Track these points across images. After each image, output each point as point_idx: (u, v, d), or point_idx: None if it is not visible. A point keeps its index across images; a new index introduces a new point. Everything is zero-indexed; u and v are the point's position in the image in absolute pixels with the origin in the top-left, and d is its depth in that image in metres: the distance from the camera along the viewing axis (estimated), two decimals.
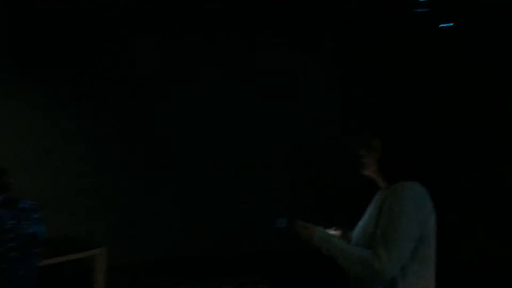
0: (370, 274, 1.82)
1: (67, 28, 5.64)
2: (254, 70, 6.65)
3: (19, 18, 5.33)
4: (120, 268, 5.33)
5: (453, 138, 6.36)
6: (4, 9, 5.23)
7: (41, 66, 5.52)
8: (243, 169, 6.51)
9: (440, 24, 6.49)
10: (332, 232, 2.17)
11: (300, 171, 6.64)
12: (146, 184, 6.20)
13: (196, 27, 6.36)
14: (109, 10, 5.80)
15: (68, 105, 5.78)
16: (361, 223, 2.08)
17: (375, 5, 6.25)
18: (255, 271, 5.76)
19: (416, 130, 2.00)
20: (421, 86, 6.63)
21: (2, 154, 5.00)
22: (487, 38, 6.41)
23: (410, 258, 1.85)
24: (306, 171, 6.62)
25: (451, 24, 6.39)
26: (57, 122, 5.68)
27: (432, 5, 6.08)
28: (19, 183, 4.76)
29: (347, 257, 1.89)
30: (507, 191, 6.11)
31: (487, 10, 6.02)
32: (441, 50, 6.60)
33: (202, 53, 6.37)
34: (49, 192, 5.39)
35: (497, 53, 6.38)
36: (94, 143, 5.89)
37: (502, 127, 6.19)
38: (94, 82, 5.87)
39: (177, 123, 6.33)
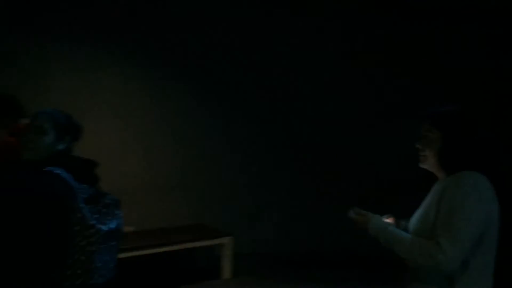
0: (432, 265, 1.77)
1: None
2: None
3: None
4: (243, 257, 5.63)
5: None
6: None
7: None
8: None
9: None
10: (385, 219, 2.12)
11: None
12: (266, 179, 6.40)
13: None
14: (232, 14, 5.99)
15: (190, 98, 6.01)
16: (418, 213, 2.02)
17: None
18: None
19: (476, 120, 1.95)
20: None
21: (143, 144, 5.58)
22: None
23: (472, 249, 1.80)
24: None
25: None
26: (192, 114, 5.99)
27: None
28: (154, 171, 5.51)
29: (406, 247, 1.85)
30: None
31: None
32: None
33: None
34: (182, 182, 5.86)
35: None
36: (220, 138, 6.17)
37: None
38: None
39: (296, 117, 6.47)
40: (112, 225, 2.23)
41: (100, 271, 2.17)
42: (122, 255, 4.77)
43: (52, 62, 5.14)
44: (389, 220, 2.18)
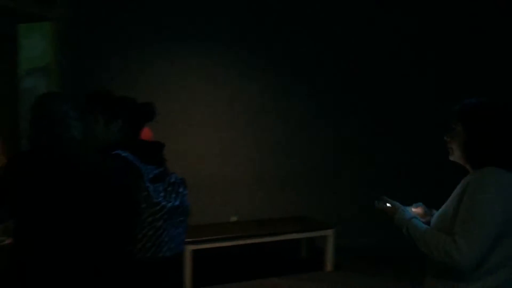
0: (449, 262, 1.76)
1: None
2: None
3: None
4: (344, 250, 5.68)
5: None
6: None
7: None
8: None
9: None
10: (412, 209, 2.14)
11: None
12: (369, 174, 6.40)
13: None
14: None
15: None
16: (443, 207, 2.00)
17: None
18: None
19: (506, 113, 1.87)
20: None
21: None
22: None
23: (493, 249, 1.76)
24: None
25: None
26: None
27: None
28: (260, 163, 5.73)
29: (426, 241, 1.84)
30: None
31: None
32: None
33: None
34: (287, 174, 5.98)
35: None
36: (326, 131, 6.21)
37: None
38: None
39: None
40: (177, 202, 2.39)
41: (168, 245, 2.33)
42: (227, 243, 5.05)
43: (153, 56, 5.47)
44: (418, 209, 2.15)
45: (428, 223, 2.02)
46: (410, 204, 2.18)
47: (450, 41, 6.46)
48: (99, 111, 2.42)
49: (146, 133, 3.33)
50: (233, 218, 5.51)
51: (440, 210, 2.01)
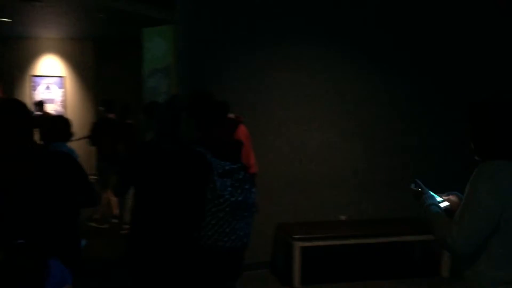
0: (444, 247, 1.87)
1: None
2: None
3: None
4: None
5: None
6: None
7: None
8: None
9: None
10: (444, 196, 2.16)
11: None
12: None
13: None
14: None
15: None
16: None
17: None
18: None
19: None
20: None
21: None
22: None
23: (492, 240, 1.82)
24: None
25: None
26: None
27: None
28: (375, 164, 5.60)
29: (432, 225, 1.95)
30: None
31: None
32: None
33: None
34: (399, 176, 5.67)
35: None
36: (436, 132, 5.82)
37: None
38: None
39: None
40: (240, 197, 2.56)
41: (229, 236, 2.52)
42: (338, 242, 5.00)
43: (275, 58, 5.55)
44: (451, 197, 2.15)
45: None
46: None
47: None
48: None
49: (242, 131, 3.40)
50: (342, 217, 5.42)
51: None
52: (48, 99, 10.44)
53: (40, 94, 10.44)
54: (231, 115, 3.45)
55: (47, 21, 8.91)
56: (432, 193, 2.11)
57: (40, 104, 8.82)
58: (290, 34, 5.24)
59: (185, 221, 2.40)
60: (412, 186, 2.17)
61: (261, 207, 3.44)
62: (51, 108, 10.40)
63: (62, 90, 10.51)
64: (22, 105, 2.14)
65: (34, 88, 10.43)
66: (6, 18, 8.67)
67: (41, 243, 1.87)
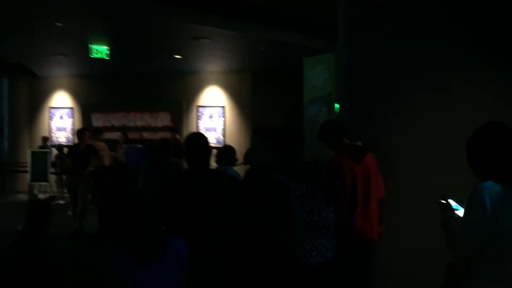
0: (455, 257, 2.21)
1: None
2: None
3: None
4: None
5: None
6: None
7: None
8: None
9: None
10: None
11: None
12: None
13: None
14: None
15: None
16: None
17: None
18: None
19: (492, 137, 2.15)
20: None
21: None
22: None
23: (483, 253, 2.07)
24: None
25: None
26: None
27: None
28: None
29: (446, 236, 2.19)
30: None
31: None
32: None
33: None
34: None
35: None
36: None
37: None
38: None
39: None
40: (316, 216, 2.75)
41: (310, 252, 2.71)
42: None
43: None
44: None
45: None
46: None
47: None
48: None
49: (370, 159, 3.46)
50: None
51: None
52: (211, 128, 11.30)
53: (204, 122, 11.35)
54: (359, 143, 3.57)
55: (211, 56, 9.72)
56: (456, 205, 2.27)
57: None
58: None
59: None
60: (440, 199, 2.30)
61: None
62: (213, 136, 11.23)
63: (223, 119, 11.28)
64: (205, 137, 3.02)
65: (199, 117, 11.38)
66: (178, 55, 9.68)
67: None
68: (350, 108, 4.25)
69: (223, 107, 11.30)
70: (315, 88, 5.78)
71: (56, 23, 7.34)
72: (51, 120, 12.35)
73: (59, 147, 11.11)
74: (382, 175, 3.55)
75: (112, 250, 2.62)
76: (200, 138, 2.97)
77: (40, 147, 10.94)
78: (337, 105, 5.38)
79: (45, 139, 11.44)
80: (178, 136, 9.76)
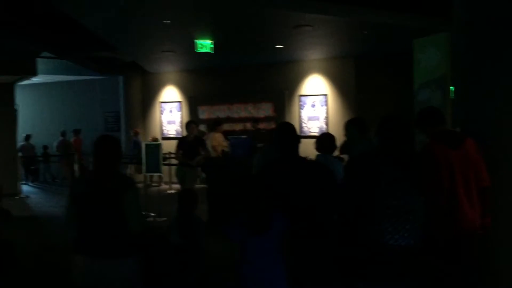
0: None
1: None
2: None
3: None
4: None
5: None
6: None
7: None
8: None
9: None
10: None
11: None
12: None
13: None
14: None
15: None
16: None
17: None
18: None
19: None
20: None
21: None
22: None
23: None
24: None
25: None
26: None
27: None
28: None
29: None
30: None
31: None
32: None
33: None
34: None
35: None
36: None
37: None
38: None
39: None
40: (403, 201, 2.77)
41: (392, 235, 2.76)
42: None
43: None
44: None
45: None
46: None
47: None
48: None
49: (470, 144, 3.32)
50: None
51: None
52: (313, 117, 11.16)
53: (306, 111, 11.25)
54: (457, 129, 3.55)
55: (313, 43, 9.54)
56: None
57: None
58: None
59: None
60: None
61: None
62: (315, 125, 11.08)
63: (325, 107, 11.08)
64: (293, 126, 3.32)
65: (301, 106, 11.30)
66: (279, 45, 9.64)
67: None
68: (466, 94, 3.88)
69: (325, 95, 11.09)
70: (427, 70, 5.38)
71: (164, 21, 7.67)
72: (162, 114, 13.04)
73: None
74: (497, 166, 3.32)
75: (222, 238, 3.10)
76: (288, 127, 3.28)
77: (133, 140, 11.59)
78: (452, 88, 4.96)
79: (136, 133, 12.11)
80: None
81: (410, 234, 2.79)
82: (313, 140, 4.64)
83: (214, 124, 9.80)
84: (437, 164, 3.20)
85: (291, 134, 3.23)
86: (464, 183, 3.22)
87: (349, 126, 4.53)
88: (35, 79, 12.84)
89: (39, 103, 15.50)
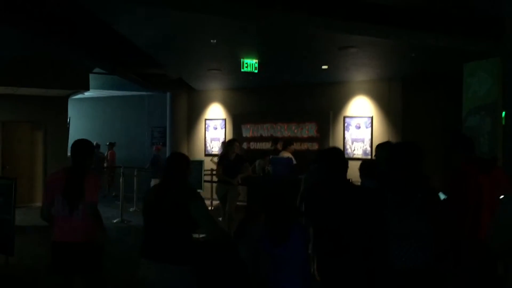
0: None
1: None
2: None
3: None
4: None
5: None
6: None
7: None
8: None
9: None
10: None
11: None
12: None
13: None
14: None
15: None
16: None
17: None
18: None
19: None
20: None
21: None
22: None
23: None
24: None
25: None
26: None
27: None
28: None
29: None
30: None
31: None
32: None
33: None
34: None
35: None
36: None
37: None
38: None
39: None
40: (404, 225, 2.92)
41: (398, 258, 2.93)
42: None
43: None
44: None
45: None
46: None
47: None
48: None
49: (499, 172, 3.59)
50: None
51: None
52: (358, 139, 10.98)
53: (351, 133, 11.09)
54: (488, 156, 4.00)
55: (358, 65, 9.44)
56: None
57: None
58: None
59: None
60: None
61: None
62: (360, 147, 10.89)
63: (370, 129, 10.89)
64: (341, 151, 3.38)
65: (346, 128, 11.16)
66: (324, 65, 9.60)
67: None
68: None
69: (370, 117, 10.91)
70: (477, 96, 5.20)
71: (211, 40, 7.81)
72: (207, 131, 13.22)
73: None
74: None
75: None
76: (338, 152, 3.34)
77: (154, 155, 11.50)
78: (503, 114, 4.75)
79: (158, 148, 11.96)
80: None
81: (417, 256, 2.94)
82: (357, 162, 4.58)
83: (285, 144, 9.88)
84: (468, 184, 3.49)
85: (340, 159, 3.26)
86: (490, 205, 3.43)
87: (378, 150, 4.58)
88: (87, 93, 13.36)
89: (90, 116, 16.09)
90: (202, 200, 3.26)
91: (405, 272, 2.93)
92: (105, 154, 14.02)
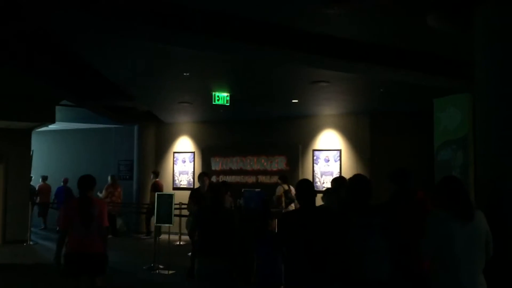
0: None
1: None
2: None
3: None
4: None
5: None
6: None
7: None
8: None
9: None
10: None
11: None
12: None
13: None
14: None
15: None
16: None
17: None
18: None
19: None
20: None
21: None
22: None
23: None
24: None
25: None
26: None
27: None
28: None
29: None
30: None
31: None
32: None
33: None
34: None
35: None
36: None
37: None
38: None
39: None
40: (369, 242, 3.43)
41: (359, 270, 3.42)
42: None
43: None
44: None
45: None
46: None
47: None
48: None
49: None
50: None
51: None
52: (327, 172, 11.06)
53: (320, 166, 11.17)
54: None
55: (328, 99, 9.61)
56: None
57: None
58: None
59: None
60: None
61: None
62: (328, 180, 10.94)
63: (339, 163, 11.00)
64: (311, 183, 3.99)
65: (315, 161, 11.24)
66: (295, 99, 9.72)
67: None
68: (489, 156, 3.83)
69: (339, 150, 11.04)
70: (447, 130, 5.33)
71: (184, 73, 7.79)
72: (175, 164, 13.03)
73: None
74: None
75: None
76: (307, 184, 3.86)
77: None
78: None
79: (65, 181, 11.58)
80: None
81: (379, 270, 3.40)
82: None
83: (284, 177, 9.98)
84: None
85: (310, 190, 3.79)
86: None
87: (333, 183, 5.44)
88: (52, 126, 12.99)
89: (54, 149, 15.61)
90: (238, 218, 4.64)
91: (376, 283, 3.38)
92: (36, 188, 13.56)
